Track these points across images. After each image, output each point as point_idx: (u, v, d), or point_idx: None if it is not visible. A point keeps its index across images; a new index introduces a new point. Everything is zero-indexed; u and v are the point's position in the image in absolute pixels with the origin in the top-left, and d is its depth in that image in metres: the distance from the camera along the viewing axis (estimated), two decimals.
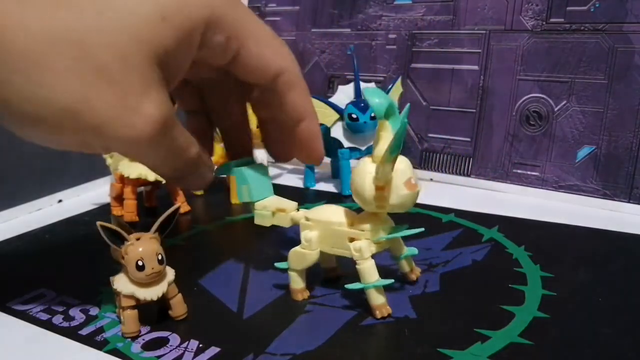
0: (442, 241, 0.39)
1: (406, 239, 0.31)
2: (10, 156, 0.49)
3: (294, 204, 0.32)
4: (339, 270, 0.34)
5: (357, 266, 0.29)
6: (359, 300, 0.32)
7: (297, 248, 0.32)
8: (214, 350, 0.28)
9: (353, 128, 0.48)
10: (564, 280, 0.33)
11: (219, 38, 0.26)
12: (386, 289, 0.31)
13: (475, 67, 0.50)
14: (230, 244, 0.43)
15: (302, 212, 0.32)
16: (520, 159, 0.48)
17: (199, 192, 0.52)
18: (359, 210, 0.30)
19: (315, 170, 0.54)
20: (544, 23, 0.46)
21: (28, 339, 0.30)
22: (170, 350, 0.28)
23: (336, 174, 0.54)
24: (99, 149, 0.25)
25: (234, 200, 0.49)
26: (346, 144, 0.48)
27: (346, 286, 0.30)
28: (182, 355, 0.28)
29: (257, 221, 0.33)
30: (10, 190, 0.49)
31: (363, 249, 0.29)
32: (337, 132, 0.48)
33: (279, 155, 0.34)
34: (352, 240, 0.30)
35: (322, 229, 0.31)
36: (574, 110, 0.45)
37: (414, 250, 0.32)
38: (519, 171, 0.48)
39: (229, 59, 0.28)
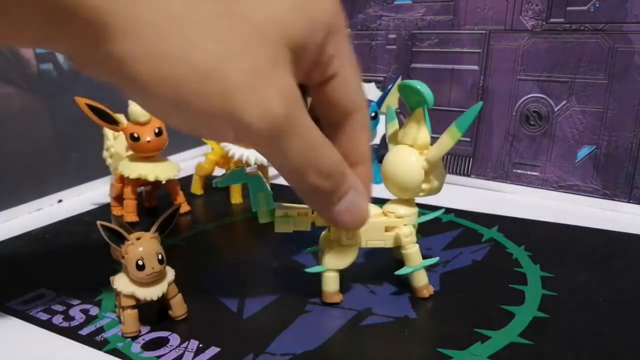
0: (442, 241, 0.39)
1: None
2: (11, 156, 0.49)
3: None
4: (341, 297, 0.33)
5: (404, 251, 0.30)
6: (359, 300, 0.32)
7: (335, 247, 0.31)
8: (214, 350, 0.28)
9: None
10: (564, 280, 0.33)
11: (330, 50, 0.25)
12: (386, 288, 0.31)
13: (475, 67, 0.50)
14: (230, 244, 0.43)
15: None
16: (520, 159, 0.48)
17: (199, 192, 0.52)
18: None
19: None
20: (544, 23, 0.46)
21: (28, 339, 0.30)
22: (170, 350, 0.28)
23: None
24: (223, 127, 0.22)
25: (234, 200, 0.49)
26: None
27: (397, 272, 0.31)
28: (182, 355, 0.28)
29: (278, 229, 0.32)
30: (10, 190, 0.49)
31: (412, 232, 0.30)
32: None
33: None
34: (387, 230, 0.31)
35: None
36: (574, 110, 0.45)
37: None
38: (519, 171, 0.48)
39: (325, 79, 0.26)
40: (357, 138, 0.28)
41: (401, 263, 0.32)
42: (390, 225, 0.30)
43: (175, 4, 0.21)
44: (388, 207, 0.31)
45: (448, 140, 0.28)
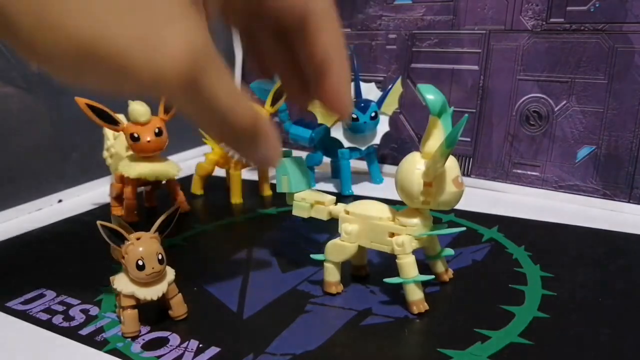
0: (442, 241, 0.39)
1: None
2: (11, 156, 0.49)
3: (332, 197, 0.33)
4: (367, 269, 0.34)
5: (397, 261, 0.30)
6: (359, 300, 0.32)
7: (337, 240, 0.32)
8: (214, 350, 0.28)
9: (353, 128, 0.48)
10: (564, 280, 0.33)
11: None
12: (386, 288, 0.31)
13: (475, 67, 0.50)
14: (230, 244, 0.43)
15: (341, 205, 0.32)
16: (520, 159, 0.48)
17: (199, 192, 0.52)
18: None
19: (315, 170, 0.54)
20: (544, 23, 0.46)
21: (28, 339, 0.30)
22: (170, 350, 0.28)
23: (336, 174, 0.54)
24: (128, 89, 0.21)
25: (234, 200, 0.49)
26: (346, 144, 0.48)
27: (385, 280, 0.30)
28: (182, 355, 0.28)
29: (295, 212, 0.34)
30: (10, 190, 0.49)
31: (405, 243, 0.29)
32: (337, 132, 0.48)
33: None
34: (392, 235, 0.30)
35: (362, 223, 0.31)
36: (574, 110, 0.45)
37: (451, 251, 0.33)
38: (519, 171, 0.48)
39: None
40: (319, 36, 0.25)
41: (439, 276, 0.33)
42: (393, 231, 0.30)
43: None
44: (399, 213, 0.31)
45: (438, 156, 0.27)
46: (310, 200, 0.33)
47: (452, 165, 0.28)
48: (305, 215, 0.33)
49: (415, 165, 0.29)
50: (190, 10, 0.21)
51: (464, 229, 0.34)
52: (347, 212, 0.32)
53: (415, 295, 0.30)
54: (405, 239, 0.30)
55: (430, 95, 0.28)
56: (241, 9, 0.26)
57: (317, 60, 0.26)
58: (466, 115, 0.28)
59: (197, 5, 0.21)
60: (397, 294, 0.32)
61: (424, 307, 0.30)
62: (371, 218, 0.31)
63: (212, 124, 0.23)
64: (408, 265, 0.30)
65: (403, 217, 0.30)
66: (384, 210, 0.31)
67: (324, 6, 0.25)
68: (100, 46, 0.19)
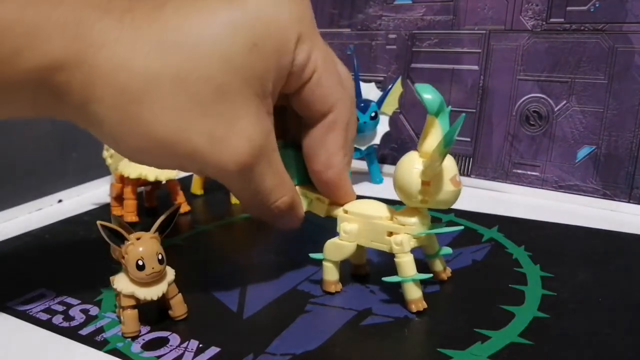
0: (442, 241, 0.39)
1: None
2: (11, 156, 0.49)
3: None
4: (367, 268, 0.34)
5: (396, 259, 0.30)
6: (359, 300, 0.32)
7: (335, 239, 0.32)
8: (214, 350, 0.28)
9: None
10: (564, 280, 0.33)
11: (301, 58, 0.26)
12: (386, 288, 0.31)
13: (475, 67, 0.50)
14: (230, 244, 0.43)
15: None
16: (520, 159, 0.48)
17: (199, 192, 0.52)
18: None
19: None
20: (544, 23, 0.46)
21: (28, 339, 0.30)
22: (170, 350, 0.28)
23: None
24: (197, 172, 0.28)
25: (234, 200, 0.49)
26: None
27: (384, 279, 0.30)
28: (182, 355, 0.28)
29: None
30: (10, 190, 0.49)
31: (404, 242, 0.29)
32: None
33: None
34: (390, 234, 0.30)
35: (361, 222, 0.31)
36: (574, 110, 0.45)
37: (449, 250, 0.33)
38: (519, 171, 0.48)
39: (301, 84, 0.27)
40: (326, 141, 0.29)
41: (437, 275, 0.33)
42: (391, 230, 0.30)
43: (134, 82, 0.23)
44: (397, 212, 0.31)
45: (436, 155, 0.27)
46: (311, 196, 0.33)
47: (449, 164, 0.28)
48: (303, 208, 0.34)
49: (413, 164, 0.29)
50: (254, 108, 0.24)
51: (461, 227, 0.34)
52: (346, 212, 0.32)
53: (414, 294, 0.30)
54: (403, 237, 0.30)
55: (428, 94, 0.28)
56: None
57: (321, 162, 0.30)
58: (463, 114, 0.28)
59: (264, 97, 0.25)
60: (397, 294, 0.32)
61: (423, 305, 0.30)
62: (370, 217, 0.31)
63: (254, 203, 0.28)
64: (406, 264, 0.30)
65: (401, 216, 0.30)
66: (382, 210, 0.31)
67: (343, 115, 0.29)
68: (178, 143, 0.24)
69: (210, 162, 0.24)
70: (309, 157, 0.31)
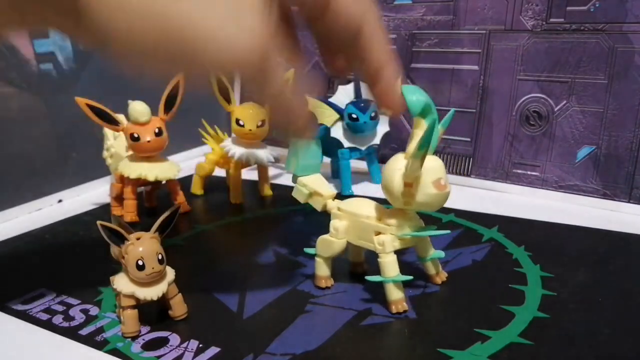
0: (442, 241, 0.39)
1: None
2: (11, 156, 0.49)
3: (333, 192, 0.33)
4: (365, 266, 0.35)
5: (378, 259, 0.30)
6: (359, 300, 0.32)
7: (326, 236, 0.32)
8: (214, 350, 0.28)
9: (353, 128, 0.48)
10: (564, 280, 0.33)
11: None
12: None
13: (475, 67, 0.50)
14: (230, 244, 0.43)
15: (336, 202, 0.33)
16: (520, 159, 0.48)
17: (199, 192, 0.52)
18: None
19: None
20: (544, 23, 0.46)
21: (28, 339, 0.30)
22: (170, 350, 0.28)
23: (336, 174, 0.54)
24: (189, 66, 0.25)
25: (234, 200, 0.49)
26: (346, 144, 0.48)
27: (366, 277, 0.31)
28: (182, 355, 0.28)
29: (294, 194, 0.34)
30: (10, 190, 0.49)
31: (386, 243, 0.30)
32: (337, 132, 0.48)
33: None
34: (378, 234, 0.30)
35: (351, 220, 0.32)
36: (574, 110, 0.45)
37: (441, 254, 0.33)
38: (519, 171, 0.48)
39: (324, 6, 0.27)
40: (373, 48, 0.29)
41: (430, 279, 0.33)
42: (377, 230, 0.30)
43: None
44: (386, 212, 0.31)
45: (412, 157, 0.27)
46: (310, 189, 0.33)
47: (435, 166, 0.28)
48: (302, 200, 0.34)
49: (397, 165, 0.29)
50: (259, 6, 0.23)
51: (448, 232, 0.33)
52: (339, 209, 0.32)
53: (394, 294, 0.30)
54: (386, 238, 0.30)
55: (412, 96, 0.28)
56: (308, 17, 0.28)
57: (372, 69, 0.29)
58: (452, 109, 0.28)
59: (266, 4, 0.24)
60: None
61: (403, 307, 0.30)
62: (359, 216, 0.31)
63: (270, 93, 0.26)
64: (388, 265, 0.30)
65: (388, 217, 0.30)
66: (372, 209, 0.31)
67: (376, 17, 0.29)
68: (188, 30, 0.22)
69: (223, 51, 0.23)
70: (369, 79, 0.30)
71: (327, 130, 0.48)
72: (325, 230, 0.33)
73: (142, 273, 0.28)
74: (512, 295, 0.32)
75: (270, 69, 0.25)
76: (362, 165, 0.54)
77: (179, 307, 0.31)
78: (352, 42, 0.28)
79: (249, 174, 0.53)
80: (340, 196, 0.49)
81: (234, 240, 0.43)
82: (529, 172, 0.48)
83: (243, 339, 0.29)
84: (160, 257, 0.29)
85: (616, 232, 0.39)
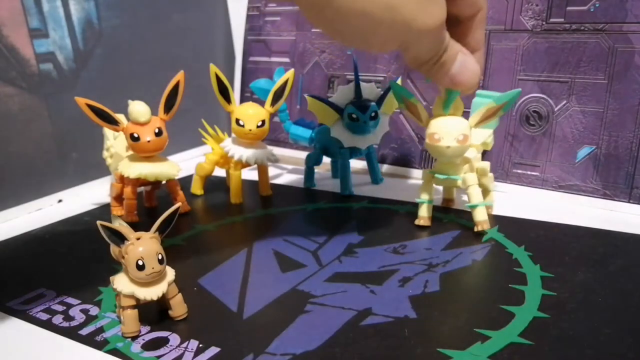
0: (442, 241, 0.39)
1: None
2: (11, 156, 0.49)
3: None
4: (453, 203, 0.45)
5: (467, 190, 0.40)
6: (359, 300, 0.32)
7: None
8: (214, 350, 0.28)
9: (353, 128, 0.48)
10: (564, 280, 0.33)
11: None
12: (386, 288, 0.31)
13: None
14: (230, 244, 0.43)
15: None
16: (520, 159, 0.48)
17: (199, 192, 0.52)
18: None
19: (316, 170, 0.54)
20: (544, 23, 0.46)
21: (28, 339, 0.30)
22: (170, 350, 0.28)
23: (336, 174, 0.54)
24: (398, 42, 0.31)
25: (234, 200, 0.49)
26: (346, 144, 0.48)
27: (467, 204, 0.40)
28: (182, 355, 0.28)
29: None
30: (10, 190, 0.49)
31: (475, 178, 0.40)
32: (337, 132, 0.48)
33: None
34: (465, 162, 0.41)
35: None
36: (574, 110, 0.45)
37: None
38: (519, 171, 0.48)
39: None
40: (477, 31, 0.36)
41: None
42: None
43: None
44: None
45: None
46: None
47: (433, 122, 0.38)
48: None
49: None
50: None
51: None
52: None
53: (483, 216, 0.40)
54: (473, 176, 0.41)
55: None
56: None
57: (470, 47, 0.35)
58: (519, 89, 0.37)
59: None
60: (397, 294, 0.32)
61: (487, 225, 0.40)
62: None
63: (434, 50, 0.33)
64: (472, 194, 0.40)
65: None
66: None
67: (485, 10, 0.36)
68: (399, 7, 0.29)
69: (422, 22, 0.30)
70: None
71: (327, 130, 0.48)
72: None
73: (142, 273, 0.28)
74: (512, 295, 0.32)
75: (445, 36, 0.33)
76: (362, 165, 0.54)
77: (179, 307, 0.31)
78: (465, 22, 0.35)
79: (249, 174, 0.53)
80: (340, 196, 0.50)
81: (234, 240, 0.43)
82: (528, 172, 0.48)
83: (243, 339, 0.29)
84: (160, 257, 0.29)
85: (616, 232, 0.39)
